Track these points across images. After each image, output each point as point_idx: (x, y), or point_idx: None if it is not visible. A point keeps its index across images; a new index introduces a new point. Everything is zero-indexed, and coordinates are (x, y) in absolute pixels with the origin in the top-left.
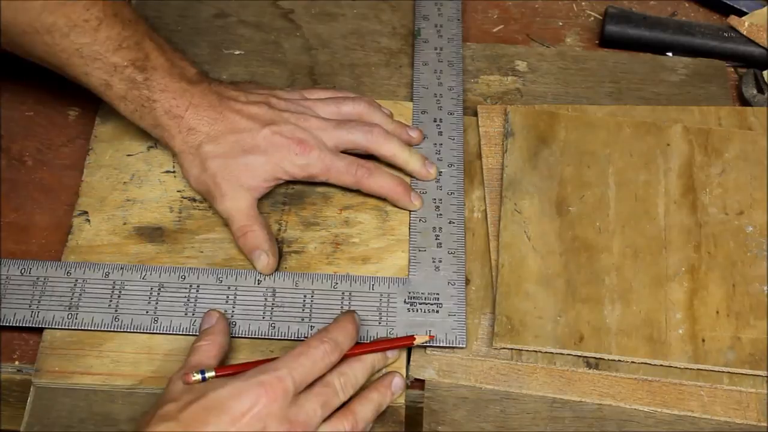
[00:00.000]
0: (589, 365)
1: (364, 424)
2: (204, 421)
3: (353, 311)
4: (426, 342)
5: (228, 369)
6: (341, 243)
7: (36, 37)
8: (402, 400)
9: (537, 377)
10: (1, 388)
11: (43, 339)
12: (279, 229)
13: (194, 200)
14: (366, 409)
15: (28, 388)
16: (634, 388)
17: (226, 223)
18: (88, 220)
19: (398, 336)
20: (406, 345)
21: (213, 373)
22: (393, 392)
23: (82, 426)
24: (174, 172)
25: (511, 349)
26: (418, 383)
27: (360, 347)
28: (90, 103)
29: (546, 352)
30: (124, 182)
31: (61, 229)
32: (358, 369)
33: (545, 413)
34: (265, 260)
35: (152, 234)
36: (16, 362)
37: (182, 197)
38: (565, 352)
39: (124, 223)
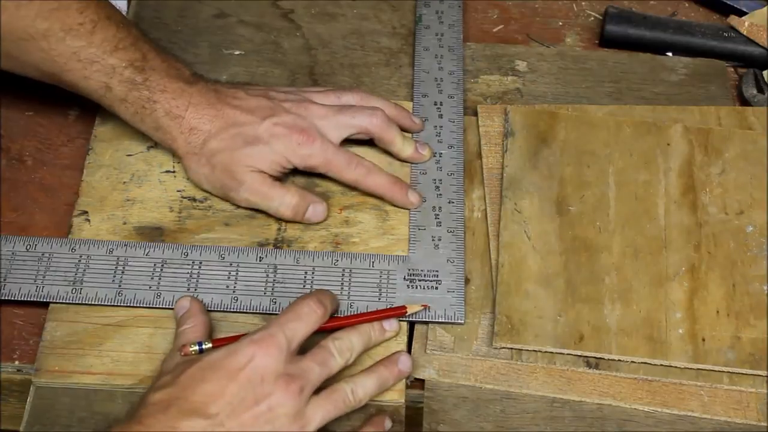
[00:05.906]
0: (589, 365)
1: (364, 393)
2: (201, 378)
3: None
4: (419, 312)
5: (223, 340)
6: (341, 243)
7: (32, 44)
8: (402, 400)
9: (537, 377)
10: (1, 388)
11: (43, 338)
12: (279, 229)
13: (194, 200)
14: (369, 381)
15: (28, 387)
16: (634, 388)
17: (226, 222)
18: (88, 220)
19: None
20: (398, 315)
21: (210, 345)
22: (400, 369)
23: (82, 426)
24: (174, 172)
25: (511, 348)
26: (418, 383)
27: (351, 317)
28: (90, 103)
29: (546, 352)
30: (124, 182)
31: (61, 228)
32: (353, 334)
33: (545, 413)
34: (320, 208)
35: (152, 234)
36: (16, 362)
37: (182, 197)
38: (565, 351)
39: (124, 223)
